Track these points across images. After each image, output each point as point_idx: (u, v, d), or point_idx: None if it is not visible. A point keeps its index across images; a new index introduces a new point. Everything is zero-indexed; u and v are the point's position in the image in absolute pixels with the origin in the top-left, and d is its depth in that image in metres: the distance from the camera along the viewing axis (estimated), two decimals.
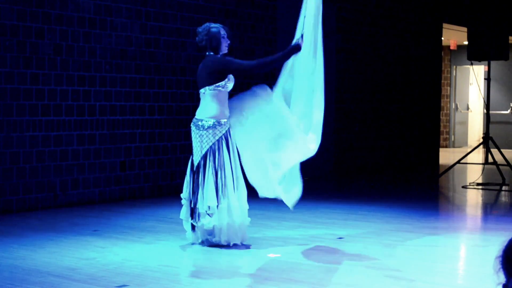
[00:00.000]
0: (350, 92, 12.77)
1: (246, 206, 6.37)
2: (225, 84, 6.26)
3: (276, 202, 9.03)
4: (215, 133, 6.23)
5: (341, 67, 12.57)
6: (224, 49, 6.42)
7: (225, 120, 6.28)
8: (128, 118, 9.17)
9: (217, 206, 6.15)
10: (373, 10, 13.30)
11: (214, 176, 6.16)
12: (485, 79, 12.41)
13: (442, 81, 18.73)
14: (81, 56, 8.65)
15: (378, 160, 13.52)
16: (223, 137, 6.25)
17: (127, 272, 5.42)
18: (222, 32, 6.41)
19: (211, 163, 6.18)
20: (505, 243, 1.84)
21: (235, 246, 6.27)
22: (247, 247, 6.30)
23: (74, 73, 8.60)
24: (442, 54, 17.15)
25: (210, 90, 6.25)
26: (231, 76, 6.32)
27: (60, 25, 8.43)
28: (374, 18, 13.35)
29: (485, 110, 12.57)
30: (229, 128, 6.29)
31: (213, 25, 6.47)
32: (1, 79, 7.92)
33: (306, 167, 11.74)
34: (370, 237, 6.90)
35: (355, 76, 12.91)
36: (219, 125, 6.24)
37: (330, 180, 11.88)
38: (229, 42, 6.45)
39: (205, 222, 6.18)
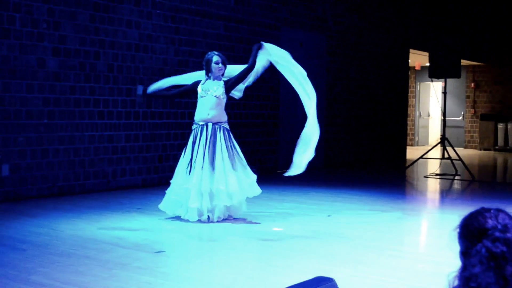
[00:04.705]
0: (337, 102, 12.75)
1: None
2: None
3: (279, 187, 9.05)
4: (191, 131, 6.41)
5: (330, 82, 12.55)
6: (216, 72, 6.35)
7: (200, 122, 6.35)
8: (165, 122, 9.17)
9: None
10: (355, 38, 13.27)
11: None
12: (442, 92, 12.38)
13: (409, 94, 18.68)
14: (128, 73, 8.67)
15: (359, 155, 13.50)
16: (197, 134, 6.30)
17: (163, 241, 5.44)
18: (215, 59, 6.34)
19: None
20: (463, 217, 1.83)
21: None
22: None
23: (123, 86, 8.61)
24: (409, 73, 17.10)
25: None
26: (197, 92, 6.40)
27: (112, 49, 8.44)
28: (356, 45, 13.32)
29: (442, 117, 12.54)
30: (201, 127, 6.33)
31: (211, 53, 6.41)
32: (67, 90, 7.94)
33: None
34: (351, 215, 6.89)
35: (341, 90, 12.88)
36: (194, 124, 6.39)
37: (321, 170, 11.87)
38: (221, 67, 6.35)
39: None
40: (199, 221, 6.20)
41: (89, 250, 4.96)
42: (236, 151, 6.33)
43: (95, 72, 8.26)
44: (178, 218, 6.39)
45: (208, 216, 6.22)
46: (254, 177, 6.37)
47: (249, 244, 5.44)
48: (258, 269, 4.54)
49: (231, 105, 9.97)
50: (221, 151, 6.22)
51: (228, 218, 6.31)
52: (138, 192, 8.38)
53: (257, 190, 6.39)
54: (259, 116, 10.78)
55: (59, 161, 7.90)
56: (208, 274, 4.46)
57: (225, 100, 6.38)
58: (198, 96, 6.38)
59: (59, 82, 7.86)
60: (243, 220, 6.35)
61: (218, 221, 6.23)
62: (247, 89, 6.75)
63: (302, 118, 6.80)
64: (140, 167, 8.89)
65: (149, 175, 9.02)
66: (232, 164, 6.24)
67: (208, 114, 6.29)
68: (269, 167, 11.05)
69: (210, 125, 6.28)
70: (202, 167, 6.18)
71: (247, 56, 10.40)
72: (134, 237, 5.51)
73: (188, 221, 6.21)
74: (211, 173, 6.18)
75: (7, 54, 7.33)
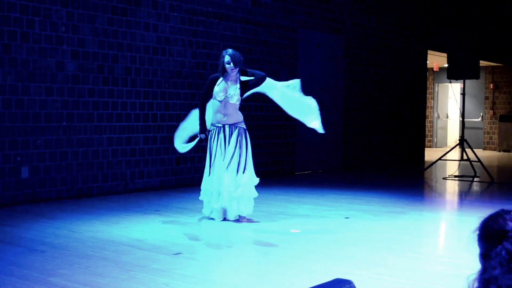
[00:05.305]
0: (355, 104, 12.71)
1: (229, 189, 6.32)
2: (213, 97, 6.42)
3: (296, 189, 9.03)
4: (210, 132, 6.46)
5: (348, 85, 12.51)
6: (230, 71, 6.30)
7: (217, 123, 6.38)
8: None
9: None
10: (372, 39, 13.23)
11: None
12: (461, 94, 12.29)
13: (427, 95, 18.58)
14: (146, 76, 8.71)
15: (377, 157, 13.44)
16: (215, 136, 6.36)
17: (181, 243, 5.45)
18: (226, 59, 6.27)
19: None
20: (482, 219, 1.81)
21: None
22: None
23: (141, 89, 8.65)
24: (427, 74, 17.00)
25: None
26: (213, 94, 6.39)
27: (130, 52, 8.49)
28: (373, 46, 13.27)
29: (461, 118, 12.45)
30: (218, 128, 6.36)
31: (224, 52, 6.36)
32: (85, 93, 7.99)
33: (321, 163, 11.75)
34: (369, 217, 6.86)
35: (358, 91, 12.84)
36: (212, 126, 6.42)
37: (339, 172, 11.84)
38: (232, 67, 6.26)
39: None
40: (225, 219, 6.39)
41: (108, 252, 4.98)
42: (243, 150, 6.30)
43: (113, 74, 8.31)
44: (196, 220, 6.45)
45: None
46: (255, 179, 6.41)
47: (267, 246, 5.43)
48: (276, 271, 4.54)
49: (248, 107, 9.98)
50: (227, 150, 6.31)
51: (238, 219, 6.40)
52: (156, 194, 8.40)
53: (253, 192, 6.39)
54: (277, 118, 10.77)
55: (78, 164, 7.95)
56: (226, 276, 4.47)
57: (239, 102, 6.40)
58: (214, 96, 6.36)
59: (77, 85, 7.92)
60: (261, 221, 6.35)
61: (235, 221, 6.36)
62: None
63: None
64: (158, 169, 8.92)
65: (167, 177, 9.05)
66: (229, 163, 6.26)
67: (224, 117, 6.34)
68: (287, 169, 11.04)
69: (227, 127, 6.34)
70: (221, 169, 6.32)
71: (264, 59, 10.45)
72: (152, 239, 5.53)
73: (213, 219, 6.42)
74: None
75: (26, 58, 7.40)
